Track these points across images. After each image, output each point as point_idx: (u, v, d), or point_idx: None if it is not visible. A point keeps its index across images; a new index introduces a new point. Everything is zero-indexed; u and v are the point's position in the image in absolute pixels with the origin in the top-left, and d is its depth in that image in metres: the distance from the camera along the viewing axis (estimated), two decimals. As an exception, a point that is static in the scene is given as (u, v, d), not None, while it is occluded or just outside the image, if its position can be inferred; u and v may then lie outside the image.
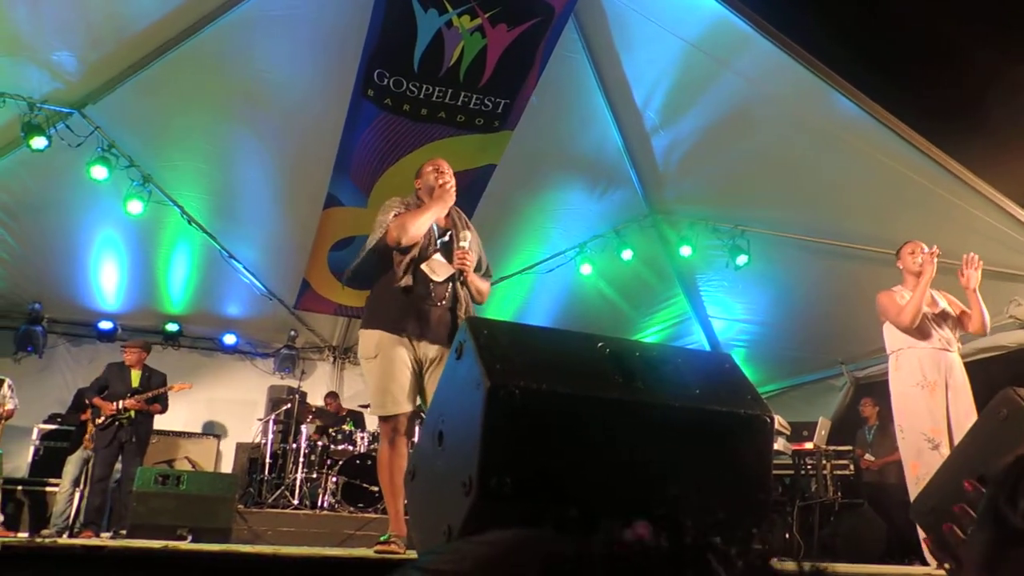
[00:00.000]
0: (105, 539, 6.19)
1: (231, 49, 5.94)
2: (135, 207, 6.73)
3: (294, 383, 8.96)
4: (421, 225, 3.54)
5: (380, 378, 3.45)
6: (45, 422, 8.09)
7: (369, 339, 3.52)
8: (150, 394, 7.06)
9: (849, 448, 7.73)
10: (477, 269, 3.74)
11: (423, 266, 3.55)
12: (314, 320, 9.58)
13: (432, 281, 3.54)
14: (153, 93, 6.14)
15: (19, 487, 7.38)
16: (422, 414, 3.79)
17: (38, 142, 5.87)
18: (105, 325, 8.78)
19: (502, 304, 8.66)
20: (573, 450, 1.69)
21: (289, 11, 5.68)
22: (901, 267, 4.62)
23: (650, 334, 9.18)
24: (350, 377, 10.14)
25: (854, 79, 5.53)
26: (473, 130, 6.42)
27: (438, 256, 3.60)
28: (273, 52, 6.02)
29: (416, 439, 4.13)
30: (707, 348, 8.84)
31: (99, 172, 6.29)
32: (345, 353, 10.26)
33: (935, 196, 5.84)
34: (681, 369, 1.91)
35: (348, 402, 9.33)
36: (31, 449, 7.89)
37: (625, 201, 7.73)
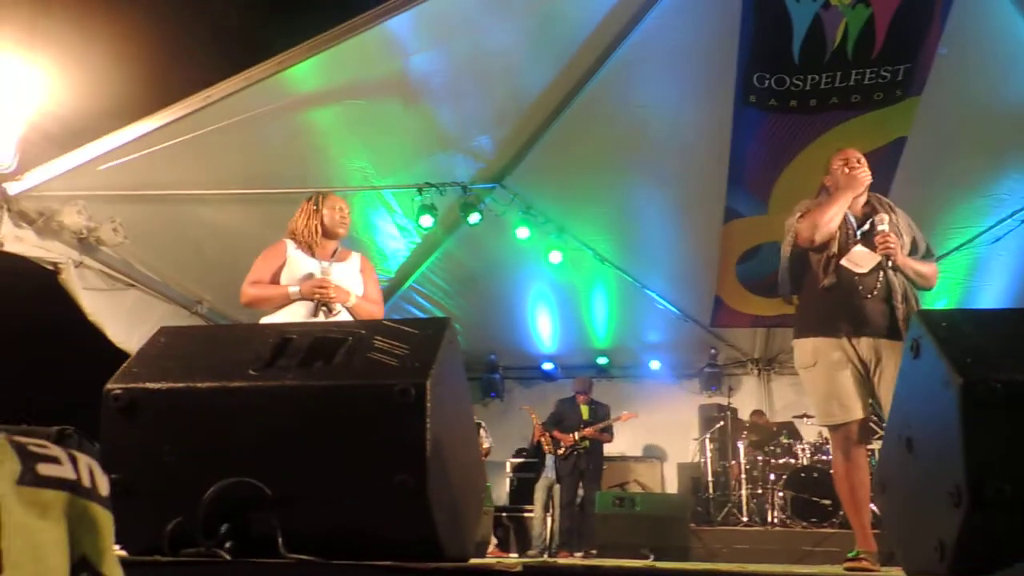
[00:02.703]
0: (579, 558, 6.84)
1: (610, 95, 6.32)
2: (556, 257, 7.52)
3: (723, 400, 8.97)
4: (832, 218, 3.34)
5: (823, 386, 3.28)
6: (513, 456, 9.31)
7: (804, 347, 3.39)
8: (602, 424, 7.73)
9: None
10: (914, 252, 3.41)
11: (843, 261, 3.33)
12: (733, 335, 9.55)
13: (857, 274, 3.31)
14: (553, 153, 6.81)
15: (503, 514, 8.55)
16: (875, 418, 3.52)
17: (474, 218, 6.92)
18: (547, 366, 9.88)
19: (939, 290, 7.65)
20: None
21: (656, 44, 5.88)
22: None
23: None
24: (778, 388, 9.83)
25: None
26: (872, 107, 5.89)
27: (859, 248, 3.35)
28: (648, 87, 6.27)
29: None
30: None
31: (523, 232, 7.19)
32: (769, 364, 10.00)
33: None
34: None
35: (781, 413, 9.06)
36: (507, 481, 9.14)
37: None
